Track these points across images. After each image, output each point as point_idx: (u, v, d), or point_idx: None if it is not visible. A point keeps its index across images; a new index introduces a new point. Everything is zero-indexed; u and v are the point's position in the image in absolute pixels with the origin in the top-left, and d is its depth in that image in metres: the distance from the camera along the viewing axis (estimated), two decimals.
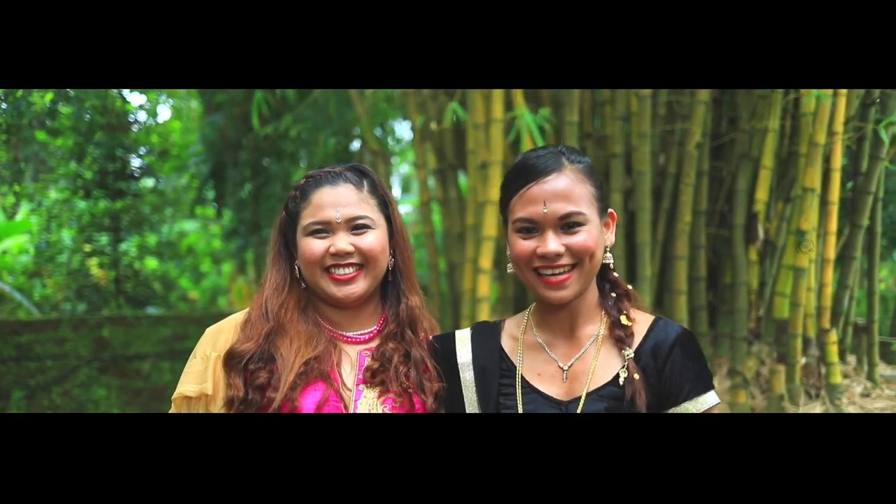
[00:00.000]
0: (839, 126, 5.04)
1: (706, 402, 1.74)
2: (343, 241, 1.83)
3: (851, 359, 5.87)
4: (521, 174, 1.80)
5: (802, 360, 5.10)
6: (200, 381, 1.82)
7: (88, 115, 8.85)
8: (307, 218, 1.87)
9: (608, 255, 1.82)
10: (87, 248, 9.32)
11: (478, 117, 5.30)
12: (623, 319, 1.79)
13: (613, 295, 1.85)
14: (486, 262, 5.08)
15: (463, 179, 6.51)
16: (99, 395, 7.16)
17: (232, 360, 1.81)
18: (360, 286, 1.86)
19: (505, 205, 1.84)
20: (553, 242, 1.73)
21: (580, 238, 1.73)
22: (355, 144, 10.76)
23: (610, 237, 1.83)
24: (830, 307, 5.22)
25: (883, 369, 5.94)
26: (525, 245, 1.76)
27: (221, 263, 14.25)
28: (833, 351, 5.12)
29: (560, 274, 1.75)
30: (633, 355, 1.75)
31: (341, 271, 1.85)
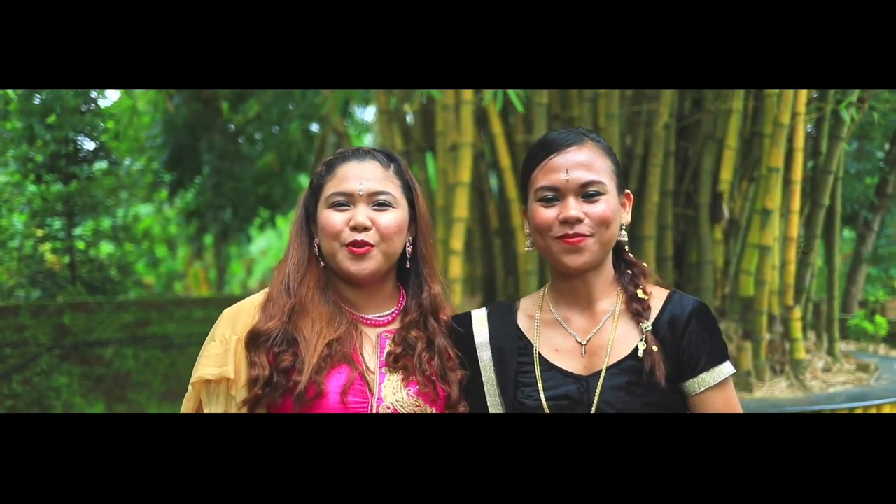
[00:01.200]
0: (802, 106, 5.15)
1: (722, 372, 1.79)
2: (363, 214, 1.82)
3: (811, 335, 6.03)
4: (543, 147, 1.84)
5: (767, 337, 5.22)
6: (220, 364, 1.78)
7: (39, 97, 8.63)
8: (330, 189, 1.86)
9: (623, 233, 1.85)
10: (40, 233, 9.11)
11: (447, 98, 5.29)
12: (639, 293, 1.83)
13: (629, 272, 1.89)
14: (457, 243, 5.08)
15: (430, 161, 6.50)
16: (60, 382, 7.00)
17: (257, 340, 1.79)
18: (372, 262, 1.84)
19: (526, 179, 1.88)
20: (574, 207, 1.77)
21: (600, 207, 1.78)
22: (314, 126, 10.65)
23: (626, 216, 1.87)
24: (794, 284, 5.34)
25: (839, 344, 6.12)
26: (547, 213, 1.80)
27: (177, 248, 14.04)
28: (797, 327, 5.25)
29: (580, 234, 1.78)
30: (650, 328, 1.79)
31: (358, 237, 1.83)
